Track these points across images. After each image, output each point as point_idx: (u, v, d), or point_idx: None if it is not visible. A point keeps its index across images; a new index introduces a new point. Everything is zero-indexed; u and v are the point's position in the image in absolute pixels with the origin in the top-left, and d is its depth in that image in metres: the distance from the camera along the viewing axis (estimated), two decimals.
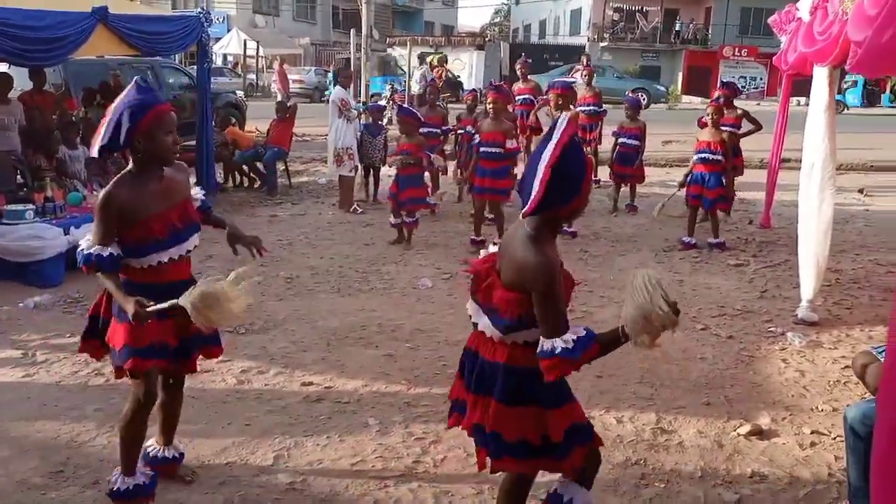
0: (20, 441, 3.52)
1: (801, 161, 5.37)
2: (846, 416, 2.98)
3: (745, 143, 8.29)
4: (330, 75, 24.86)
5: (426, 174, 7.82)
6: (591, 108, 9.99)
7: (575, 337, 2.24)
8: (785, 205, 8.32)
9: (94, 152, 2.82)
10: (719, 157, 7.05)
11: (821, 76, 5.00)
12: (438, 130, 8.61)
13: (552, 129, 2.32)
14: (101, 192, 2.81)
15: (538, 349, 2.27)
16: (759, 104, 22.45)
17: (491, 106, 7.04)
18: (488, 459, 2.47)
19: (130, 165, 2.81)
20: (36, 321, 5.14)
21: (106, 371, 4.31)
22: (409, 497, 3.14)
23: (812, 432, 3.75)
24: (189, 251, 2.95)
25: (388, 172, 8.35)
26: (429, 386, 4.22)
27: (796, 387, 4.31)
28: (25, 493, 3.09)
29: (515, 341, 2.36)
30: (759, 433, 3.72)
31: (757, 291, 6.08)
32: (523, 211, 2.29)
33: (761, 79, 31.04)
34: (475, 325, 2.46)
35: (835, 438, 3.63)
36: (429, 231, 7.94)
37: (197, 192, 3.19)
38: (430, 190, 8.77)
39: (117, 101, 2.74)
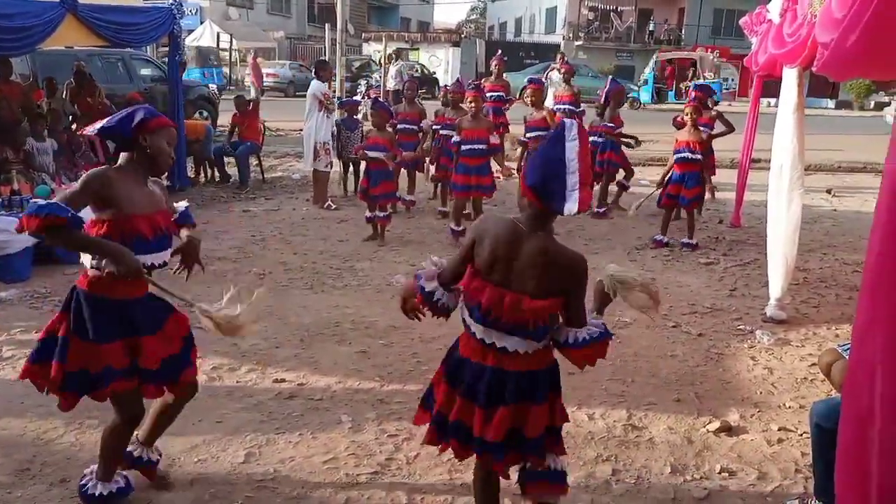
0: None
1: (770, 161, 5.46)
2: (812, 412, 3.03)
3: (715, 144, 8.39)
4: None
5: (401, 171, 7.82)
6: (568, 106, 10.00)
7: (598, 321, 2.49)
8: (755, 204, 8.44)
9: (93, 130, 2.81)
10: (698, 157, 7.12)
11: (790, 77, 5.08)
12: (416, 127, 8.58)
13: (561, 131, 2.36)
14: (93, 169, 2.75)
15: (575, 340, 2.41)
16: (730, 104, 22.73)
17: (472, 105, 7.09)
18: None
19: (121, 161, 2.80)
20: (2, 317, 5.04)
21: None
22: (381, 494, 3.14)
23: (780, 429, 3.82)
24: (165, 262, 2.90)
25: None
26: (402, 383, 4.21)
27: (764, 384, 4.38)
28: None
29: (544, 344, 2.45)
30: (728, 430, 3.78)
31: (727, 290, 6.17)
32: (575, 211, 2.33)
33: (733, 79, 31.34)
34: (501, 348, 2.39)
35: (801, 434, 3.69)
36: (404, 228, 7.93)
37: (181, 205, 3.15)
38: (407, 186, 8.78)
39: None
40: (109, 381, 2.74)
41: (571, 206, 2.32)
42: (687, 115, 7.29)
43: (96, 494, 2.89)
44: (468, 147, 6.98)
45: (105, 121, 2.81)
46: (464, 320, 2.50)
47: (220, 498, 3.07)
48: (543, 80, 10.93)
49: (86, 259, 2.75)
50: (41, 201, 2.57)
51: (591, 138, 8.86)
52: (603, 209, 8.75)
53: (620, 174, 9.07)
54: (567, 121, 2.44)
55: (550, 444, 2.51)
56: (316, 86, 8.98)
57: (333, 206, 8.87)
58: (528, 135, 7.93)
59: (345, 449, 3.48)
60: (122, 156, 2.81)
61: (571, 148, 2.33)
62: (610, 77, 10.46)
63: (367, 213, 7.35)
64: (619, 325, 5.22)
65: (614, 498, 3.17)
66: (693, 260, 7.02)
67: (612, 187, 9.11)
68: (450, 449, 2.54)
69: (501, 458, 2.43)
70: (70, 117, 9.07)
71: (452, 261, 2.54)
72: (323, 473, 3.28)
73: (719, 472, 3.39)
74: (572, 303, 2.40)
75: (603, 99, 9.17)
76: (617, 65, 33.94)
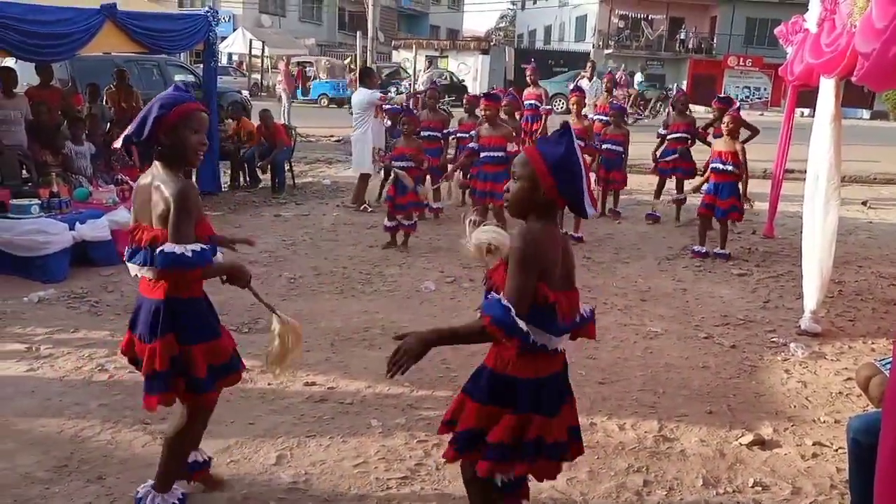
0: (23, 435, 3.52)
1: (805, 172, 5.39)
2: (849, 427, 2.98)
3: (748, 154, 8.29)
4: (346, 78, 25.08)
5: (427, 179, 7.84)
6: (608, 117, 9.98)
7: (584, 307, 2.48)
8: (788, 215, 8.34)
9: (118, 143, 2.80)
10: (730, 168, 7.04)
11: (827, 87, 5.02)
12: (439, 134, 8.61)
13: (570, 138, 2.33)
14: (179, 185, 2.59)
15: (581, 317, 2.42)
16: (762, 114, 22.47)
17: (484, 113, 7.11)
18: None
19: (157, 166, 2.66)
20: (40, 316, 5.15)
21: (109, 367, 4.33)
22: (411, 498, 3.14)
23: (814, 443, 3.75)
24: None
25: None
26: (432, 389, 4.22)
27: (798, 398, 4.31)
28: (29, 487, 3.10)
29: None
30: (761, 443, 3.73)
31: (760, 301, 6.09)
32: (595, 213, 2.42)
33: (765, 89, 31.10)
34: (561, 350, 2.40)
35: (837, 450, 3.63)
36: (433, 234, 7.95)
37: None
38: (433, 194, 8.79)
39: (156, 102, 2.66)
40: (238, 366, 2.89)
41: (591, 210, 2.36)
42: (724, 124, 7.20)
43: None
44: (486, 154, 7.02)
45: (126, 131, 2.69)
46: (542, 345, 2.31)
47: (252, 499, 3.10)
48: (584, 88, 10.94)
49: (142, 271, 2.69)
50: (178, 250, 2.52)
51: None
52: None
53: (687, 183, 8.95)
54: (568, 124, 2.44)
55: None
56: (367, 93, 9.12)
57: (370, 209, 8.94)
58: None
59: (375, 453, 3.50)
60: (155, 156, 2.67)
61: (580, 153, 2.33)
62: (676, 84, 10.41)
63: (387, 222, 7.36)
64: (650, 335, 5.19)
65: None
66: (725, 271, 6.94)
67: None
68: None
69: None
70: (108, 123, 9.24)
71: (522, 293, 2.21)
72: (353, 477, 3.29)
73: (752, 486, 3.34)
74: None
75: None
76: (647, 73, 33.76)
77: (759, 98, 32.63)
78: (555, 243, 2.29)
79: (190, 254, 2.53)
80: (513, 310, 2.16)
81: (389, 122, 9.50)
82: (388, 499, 3.14)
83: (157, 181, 2.62)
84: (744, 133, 8.29)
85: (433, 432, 3.70)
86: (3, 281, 5.77)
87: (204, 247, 2.60)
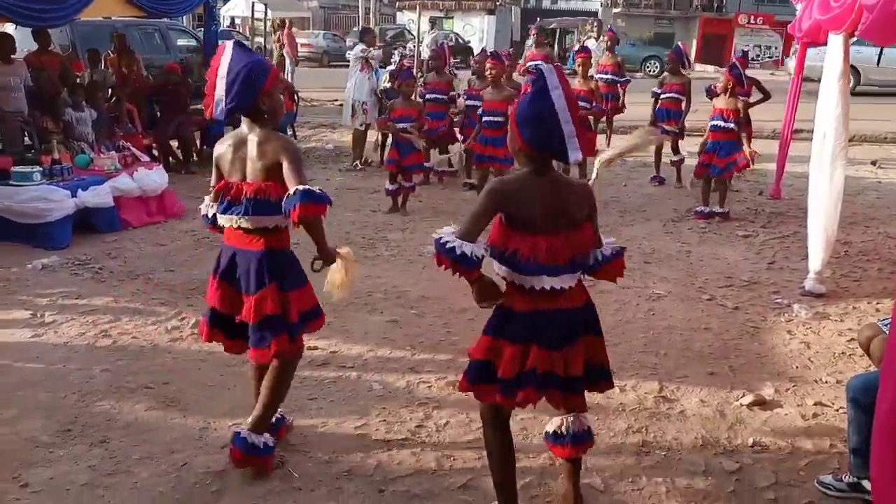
0: (28, 400, 3.56)
1: (813, 132, 5.30)
2: (849, 387, 2.98)
3: (756, 114, 8.18)
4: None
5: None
6: (611, 76, 9.81)
7: (609, 239, 2.68)
8: (796, 176, 8.23)
9: (219, 114, 2.86)
10: (731, 126, 6.96)
11: (835, 44, 4.91)
12: (444, 97, 8.50)
13: (542, 82, 2.41)
14: (287, 140, 2.93)
15: (605, 256, 2.59)
16: (772, 74, 22.10)
17: (489, 73, 7.00)
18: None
19: (250, 126, 2.86)
20: (44, 283, 5.18)
21: (113, 333, 4.36)
22: (411, 460, 3.17)
23: (815, 403, 3.76)
24: None
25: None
26: (433, 352, 4.23)
27: (801, 358, 4.30)
28: (34, 451, 3.14)
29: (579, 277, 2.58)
30: (762, 403, 3.73)
31: (765, 262, 6.05)
32: (580, 158, 2.46)
33: (776, 48, 30.48)
34: (560, 290, 2.48)
35: (838, 410, 3.63)
36: (436, 198, 7.91)
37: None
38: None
39: (225, 61, 2.82)
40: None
41: (576, 154, 2.43)
42: (721, 84, 7.07)
43: (261, 445, 2.96)
44: (488, 119, 6.94)
45: (222, 100, 2.82)
46: (512, 282, 2.53)
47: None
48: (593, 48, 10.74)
49: (241, 222, 2.86)
50: (316, 190, 2.74)
51: (662, 97, 8.51)
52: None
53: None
54: (544, 67, 2.49)
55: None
56: (359, 48, 9.40)
57: (360, 167, 9.01)
58: None
59: (376, 416, 3.52)
60: (246, 119, 2.87)
61: (558, 97, 2.40)
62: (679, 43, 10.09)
63: (388, 185, 7.32)
64: (653, 297, 5.17)
65: (644, 469, 3.15)
66: (731, 232, 6.89)
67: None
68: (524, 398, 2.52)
69: (580, 391, 2.61)
70: (110, 89, 9.17)
71: (467, 226, 2.44)
72: (353, 439, 3.32)
73: (752, 446, 3.36)
74: (594, 225, 2.58)
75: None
76: (656, 32, 33.21)
77: (770, 57, 32.04)
78: (528, 191, 2.44)
79: (319, 191, 2.76)
80: (446, 237, 2.40)
81: (388, 84, 9.42)
82: (390, 460, 3.17)
83: (263, 139, 2.83)
84: (756, 95, 8.17)
85: (434, 395, 3.73)
86: (7, 248, 5.79)
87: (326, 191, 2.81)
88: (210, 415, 3.48)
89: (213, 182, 3.00)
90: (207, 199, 3.07)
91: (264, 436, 3.00)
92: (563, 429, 2.68)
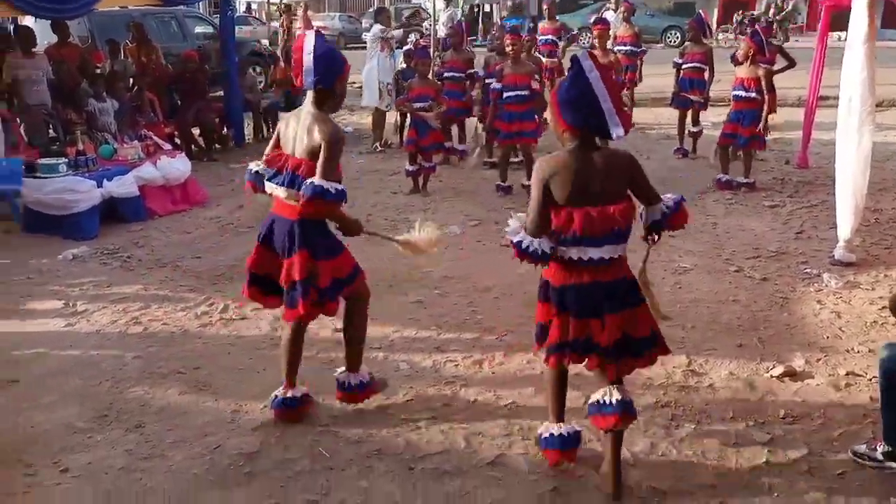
0: (63, 387, 3.64)
1: (839, 98, 5.19)
2: (881, 357, 2.94)
3: (781, 81, 8.02)
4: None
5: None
6: (629, 47, 9.66)
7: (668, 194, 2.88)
8: (823, 144, 8.07)
9: (308, 84, 3.07)
10: (753, 95, 6.84)
11: (860, 6, 4.79)
12: (462, 74, 8.42)
13: (578, 67, 2.62)
14: (336, 129, 3.10)
15: (665, 210, 2.77)
16: (797, 40, 21.64)
17: (510, 49, 6.90)
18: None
19: (312, 101, 3.09)
20: (74, 273, 5.26)
21: (143, 320, 4.43)
22: (440, 438, 3.20)
23: (847, 373, 3.71)
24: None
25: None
26: (458, 331, 4.25)
27: (832, 328, 4.25)
28: (72, 437, 3.21)
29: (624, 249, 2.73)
30: (792, 375, 3.70)
31: (792, 232, 5.97)
32: (622, 133, 2.64)
33: (800, 13, 29.78)
34: (598, 260, 2.64)
35: (870, 379, 3.58)
36: (456, 179, 7.89)
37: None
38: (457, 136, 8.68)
39: (310, 43, 3.06)
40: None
41: (618, 130, 2.60)
42: (741, 51, 6.95)
43: (361, 383, 3.35)
44: (511, 94, 6.81)
45: (311, 71, 3.04)
46: (553, 254, 2.68)
47: (285, 441, 3.18)
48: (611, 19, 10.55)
49: (279, 191, 3.11)
50: (325, 185, 2.95)
51: (684, 66, 8.38)
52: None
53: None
54: (579, 53, 2.70)
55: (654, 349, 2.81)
56: (377, 28, 9.35)
57: (380, 149, 8.98)
58: None
59: (403, 395, 3.55)
60: (313, 96, 3.09)
61: (595, 79, 2.58)
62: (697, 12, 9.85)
63: (408, 167, 7.30)
64: (679, 270, 5.13)
65: (674, 443, 3.15)
66: (757, 203, 6.79)
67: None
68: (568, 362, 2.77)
69: (616, 360, 2.71)
70: (131, 78, 9.23)
71: (533, 215, 2.68)
72: (383, 418, 3.35)
73: (783, 418, 3.33)
74: (643, 186, 2.73)
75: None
76: (676, 2, 32.56)
77: (795, 23, 31.33)
78: (568, 168, 2.61)
79: (333, 190, 2.98)
80: (519, 237, 2.69)
81: (404, 64, 9.37)
82: (418, 438, 3.20)
83: (315, 120, 3.05)
84: (780, 62, 8.01)
85: (461, 373, 3.75)
86: (37, 240, 5.89)
87: (344, 188, 3.03)
88: (241, 398, 3.53)
89: (268, 149, 3.26)
90: (258, 161, 3.31)
91: (361, 373, 3.37)
92: (606, 398, 2.74)
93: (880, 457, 2.93)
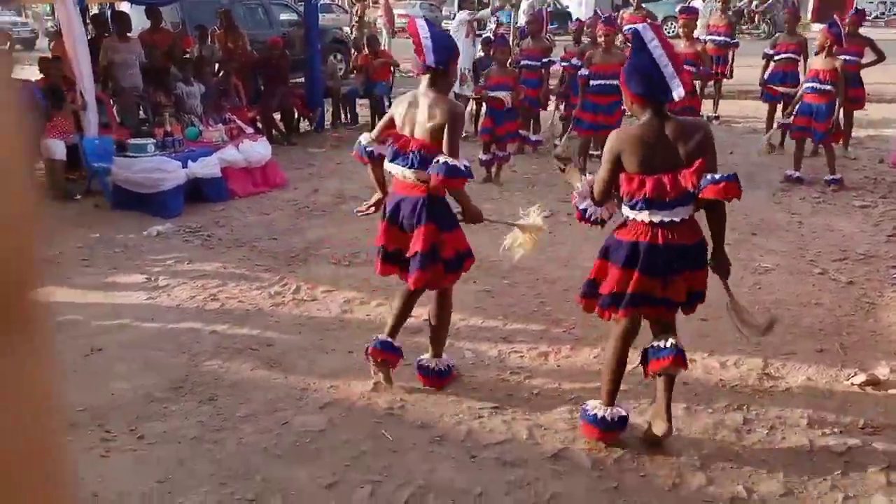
0: (144, 358, 3.81)
1: None
2: None
3: (878, 76, 7.60)
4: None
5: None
6: (722, 38, 9.33)
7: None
8: None
9: (430, 62, 3.25)
10: (828, 87, 6.54)
11: None
12: (539, 63, 8.32)
13: (639, 41, 2.78)
14: (458, 108, 3.36)
15: (714, 179, 2.72)
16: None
17: (602, 39, 6.78)
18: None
19: (429, 83, 3.26)
20: (157, 248, 5.49)
21: (221, 297, 4.59)
22: (502, 427, 3.19)
23: None
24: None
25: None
26: (525, 322, 4.22)
27: None
28: (148, 406, 3.36)
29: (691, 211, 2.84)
30: (875, 383, 3.52)
31: (883, 235, 5.66)
32: (683, 93, 2.76)
33: (893, 3, 28.03)
34: (670, 223, 2.78)
35: None
36: (530, 168, 7.82)
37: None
38: (532, 126, 8.59)
39: (424, 27, 3.30)
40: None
41: (679, 91, 2.74)
42: (820, 43, 6.65)
43: (445, 368, 3.50)
44: (598, 83, 6.69)
45: (430, 51, 3.23)
46: (628, 216, 2.86)
47: (350, 421, 3.24)
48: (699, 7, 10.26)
49: (405, 172, 3.26)
50: (456, 163, 3.12)
51: (775, 58, 8.09)
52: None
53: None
54: (637, 27, 2.86)
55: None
56: (465, 14, 9.58)
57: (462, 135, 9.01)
58: None
59: (467, 383, 3.56)
60: (428, 79, 3.28)
61: (655, 47, 2.74)
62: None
63: (482, 156, 7.25)
64: (759, 270, 4.95)
65: (745, 448, 3.05)
66: (846, 202, 6.47)
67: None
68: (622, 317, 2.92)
69: (674, 310, 2.93)
70: (217, 64, 9.54)
71: (601, 180, 2.88)
72: (446, 405, 3.37)
73: (862, 427, 3.18)
74: (710, 155, 2.78)
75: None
76: None
77: (888, 14, 29.52)
78: (638, 138, 2.77)
79: (463, 167, 3.16)
80: (585, 204, 2.94)
81: (482, 53, 9.33)
82: (481, 427, 3.20)
83: (435, 100, 3.22)
84: (869, 55, 7.59)
85: (526, 364, 3.73)
86: (125, 216, 6.17)
87: (469, 164, 3.20)
88: (310, 376, 3.62)
89: (379, 126, 3.49)
90: (369, 134, 3.50)
91: (444, 359, 3.52)
92: (662, 342, 2.94)
93: None
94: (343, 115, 10.63)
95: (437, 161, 3.11)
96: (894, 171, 7.46)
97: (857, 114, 8.14)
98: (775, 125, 8.28)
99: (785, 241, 5.52)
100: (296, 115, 9.82)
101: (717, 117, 9.50)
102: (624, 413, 3.05)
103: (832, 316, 4.28)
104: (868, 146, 8.36)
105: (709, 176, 2.71)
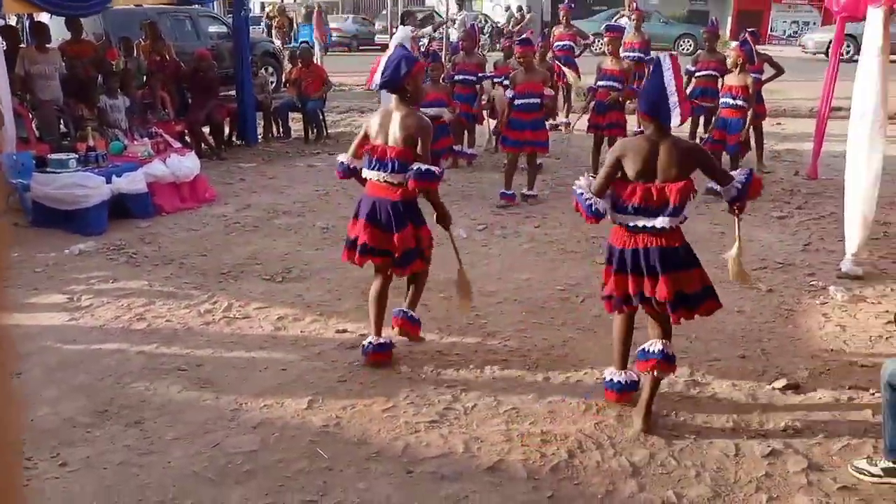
0: (66, 382, 3.65)
1: (851, 109, 5.16)
2: (884, 371, 2.92)
3: (795, 93, 8.00)
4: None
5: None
6: (638, 54, 9.66)
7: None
8: (834, 156, 8.01)
9: (374, 86, 3.84)
10: (740, 103, 6.93)
11: (875, 18, 4.76)
12: (474, 78, 8.43)
13: (658, 65, 3.20)
14: (426, 120, 3.76)
15: (742, 184, 3.23)
16: (815, 54, 21.51)
17: (520, 60, 6.90)
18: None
19: (399, 103, 3.68)
20: (80, 267, 5.29)
21: (147, 316, 4.45)
22: (439, 442, 3.19)
23: (850, 387, 3.69)
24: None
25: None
26: (461, 335, 4.25)
27: (836, 341, 4.23)
28: (72, 431, 3.23)
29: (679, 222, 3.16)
30: (795, 387, 3.67)
31: (800, 244, 5.94)
32: (679, 123, 3.15)
33: (815, 24, 29.61)
34: (651, 228, 3.10)
35: (873, 394, 3.56)
36: (464, 181, 7.89)
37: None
38: (464, 140, 8.67)
39: (389, 53, 3.80)
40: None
41: (676, 119, 3.12)
42: (731, 59, 7.09)
43: (418, 318, 4.06)
44: (522, 101, 6.80)
45: (380, 76, 3.68)
46: (616, 221, 3.22)
47: (284, 440, 3.19)
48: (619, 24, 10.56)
49: (384, 177, 3.67)
50: (431, 167, 3.66)
51: (696, 75, 8.45)
52: None
53: None
54: (660, 56, 3.27)
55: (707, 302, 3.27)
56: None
57: None
58: (599, 83, 7.67)
59: (404, 398, 3.55)
60: (397, 98, 3.69)
61: (669, 76, 3.14)
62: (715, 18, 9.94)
63: None
64: None
65: (673, 453, 3.13)
66: (765, 213, 6.76)
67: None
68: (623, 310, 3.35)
69: (673, 311, 3.17)
70: (143, 76, 9.29)
71: (601, 176, 3.24)
72: (383, 421, 3.35)
73: (784, 430, 3.31)
74: (713, 170, 3.30)
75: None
76: (690, 10, 32.47)
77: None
78: (638, 148, 3.14)
79: (437, 172, 3.67)
80: (586, 194, 3.21)
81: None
82: (417, 442, 3.19)
83: (405, 113, 3.66)
84: (768, 71, 8.01)
85: (462, 378, 3.75)
86: (46, 234, 5.92)
87: (443, 169, 3.77)
88: (242, 396, 3.54)
89: (355, 143, 3.86)
90: (345, 154, 3.95)
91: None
92: (651, 347, 3.27)
93: (880, 472, 2.91)
94: (275, 129, 10.50)
95: (414, 167, 3.57)
96: (810, 183, 7.83)
97: (774, 129, 8.56)
98: (697, 140, 8.61)
99: (708, 251, 5.68)
100: (226, 130, 9.66)
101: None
102: (635, 377, 3.45)
103: (753, 323, 4.45)
104: (785, 159, 8.77)
105: (736, 184, 3.23)
